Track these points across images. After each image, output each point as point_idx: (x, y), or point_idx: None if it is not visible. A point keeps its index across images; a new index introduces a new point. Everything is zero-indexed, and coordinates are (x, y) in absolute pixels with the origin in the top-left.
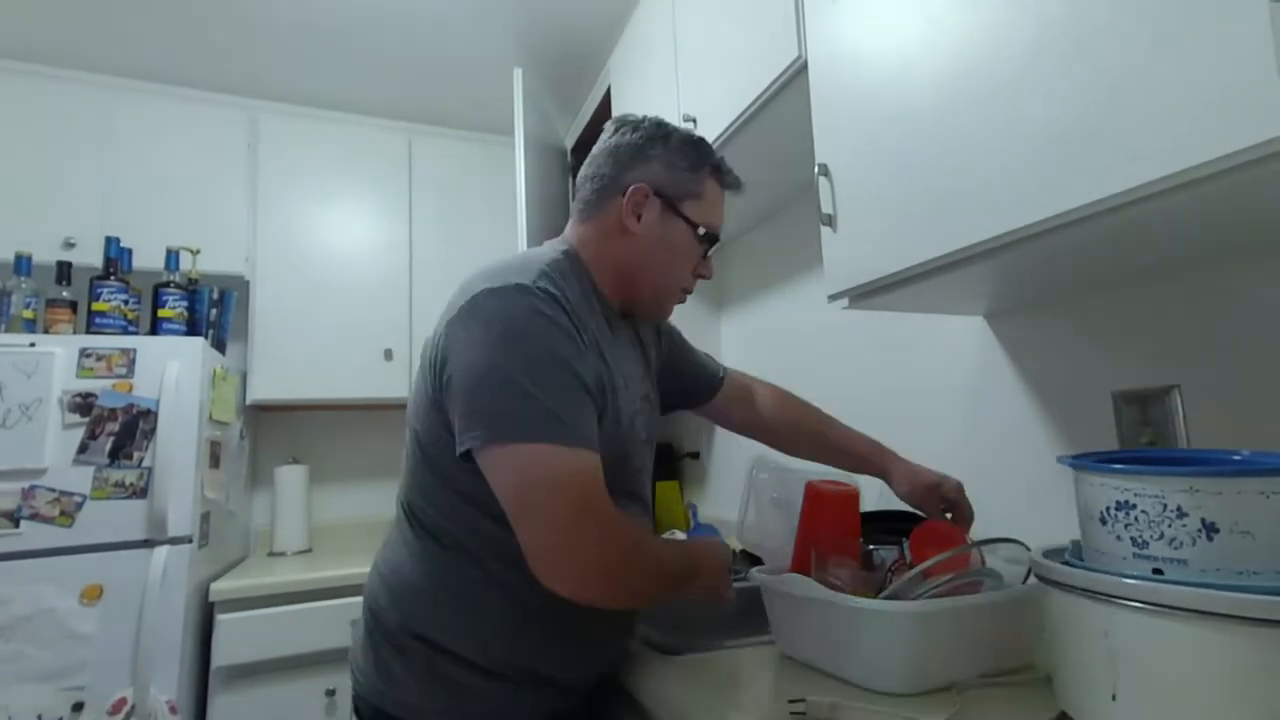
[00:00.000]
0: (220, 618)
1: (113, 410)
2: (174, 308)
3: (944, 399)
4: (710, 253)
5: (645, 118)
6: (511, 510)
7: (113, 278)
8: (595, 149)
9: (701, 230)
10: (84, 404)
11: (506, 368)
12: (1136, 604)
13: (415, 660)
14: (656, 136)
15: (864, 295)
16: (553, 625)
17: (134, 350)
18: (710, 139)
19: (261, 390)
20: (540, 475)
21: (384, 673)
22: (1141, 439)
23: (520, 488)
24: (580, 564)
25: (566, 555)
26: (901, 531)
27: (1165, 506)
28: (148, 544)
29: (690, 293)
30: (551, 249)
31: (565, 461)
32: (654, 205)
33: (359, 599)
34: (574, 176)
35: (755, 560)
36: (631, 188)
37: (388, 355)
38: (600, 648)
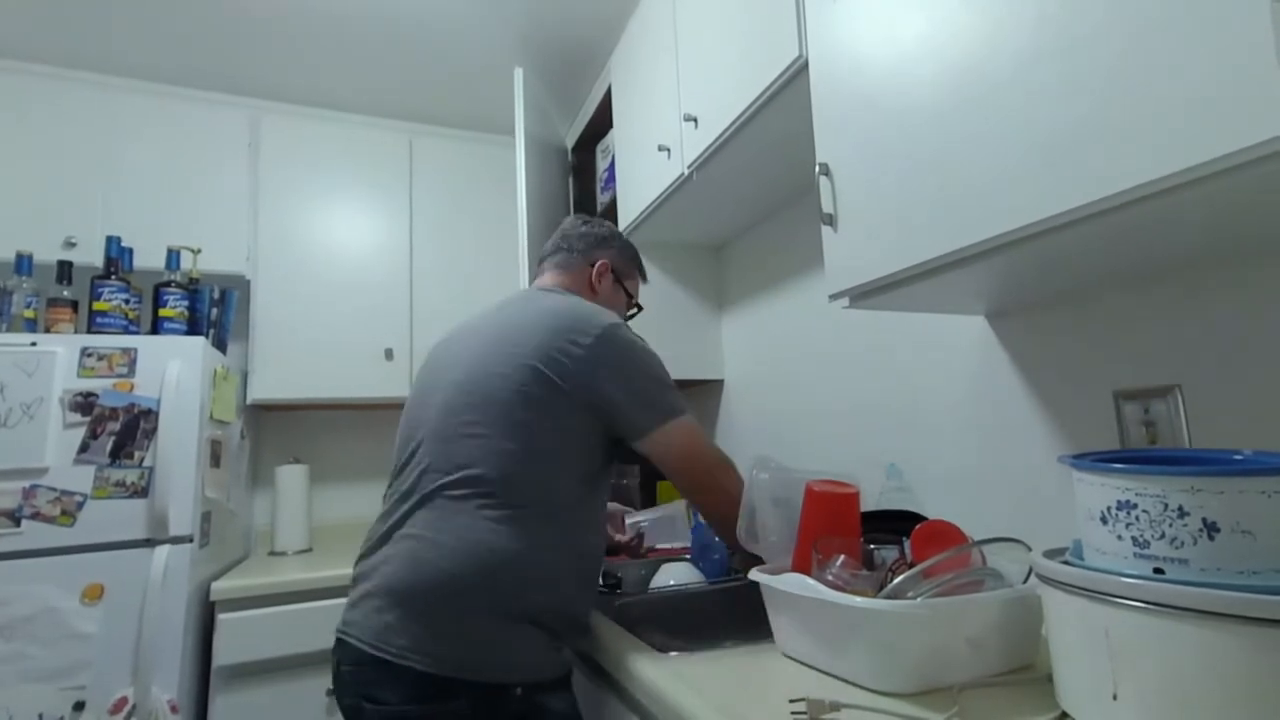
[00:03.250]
0: (221, 617)
1: (114, 410)
2: (175, 307)
3: (945, 398)
4: (629, 317)
5: (606, 224)
6: (680, 463)
7: (114, 277)
8: (566, 228)
9: (633, 297)
10: (85, 403)
11: (660, 371)
12: (1137, 604)
13: (518, 633)
14: (613, 234)
15: (865, 295)
16: (589, 573)
17: (135, 350)
18: (711, 138)
19: (262, 390)
20: (695, 436)
21: (462, 642)
22: (1143, 438)
23: (689, 444)
24: (725, 486)
25: (717, 480)
26: (902, 531)
27: (1166, 506)
28: (149, 543)
29: None
30: (586, 301)
31: (699, 428)
32: (608, 276)
33: None
34: (575, 176)
35: (755, 560)
36: (600, 261)
37: (388, 355)
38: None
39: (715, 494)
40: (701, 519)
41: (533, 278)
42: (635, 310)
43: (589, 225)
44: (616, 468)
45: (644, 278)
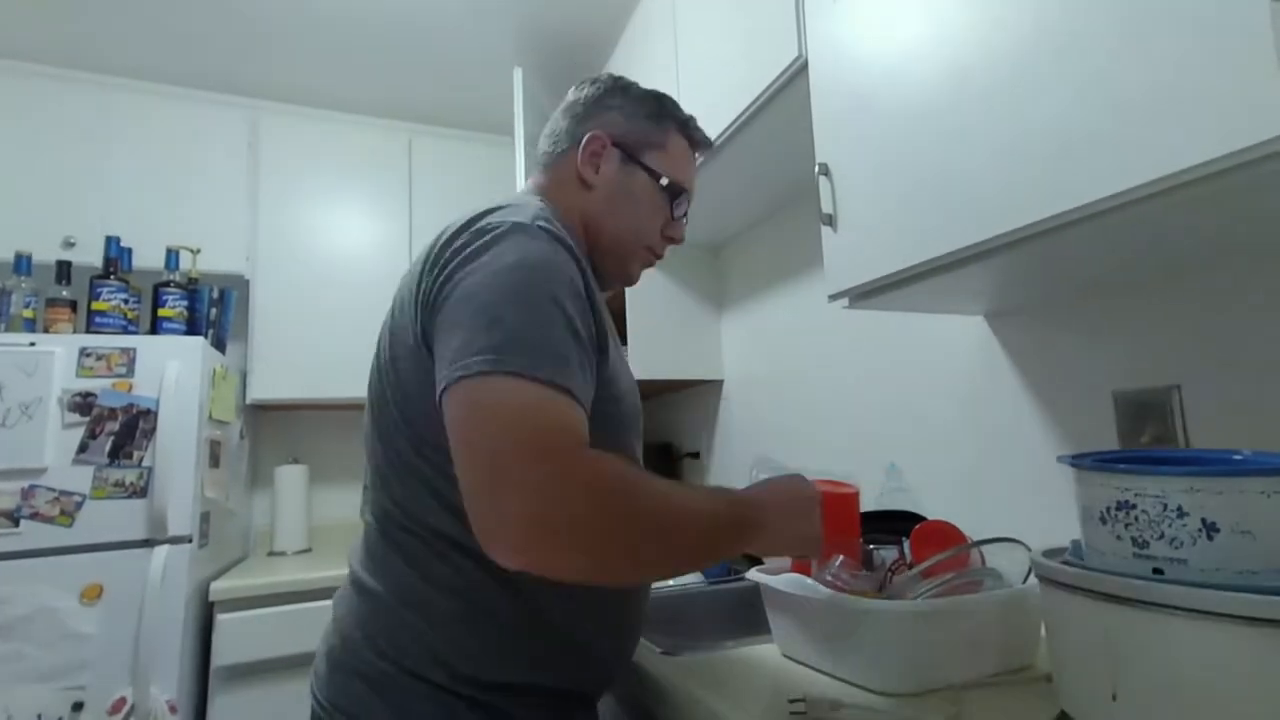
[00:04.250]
0: (220, 617)
1: (112, 410)
2: (174, 307)
3: (944, 399)
4: (680, 215)
5: (607, 74)
6: (459, 448)
7: (113, 277)
8: (564, 103)
9: (665, 181)
10: (84, 403)
11: (496, 296)
12: (1137, 604)
13: (407, 686)
14: (615, 88)
15: (864, 295)
16: (555, 633)
17: (134, 350)
18: (711, 139)
19: (261, 390)
20: (483, 409)
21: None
22: (1142, 439)
23: (460, 425)
24: (516, 514)
25: (497, 501)
26: (902, 531)
27: (1166, 506)
28: (147, 543)
29: (659, 256)
30: (525, 195)
31: (520, 395)
32: (612, 155)
33: None
34: None
35: (755, 560)
36: (587, 136)
37: None
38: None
39: (508, 530)
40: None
41: None
42: (681, 200)
43: (579, 87)
44: None
45: (696, 141)
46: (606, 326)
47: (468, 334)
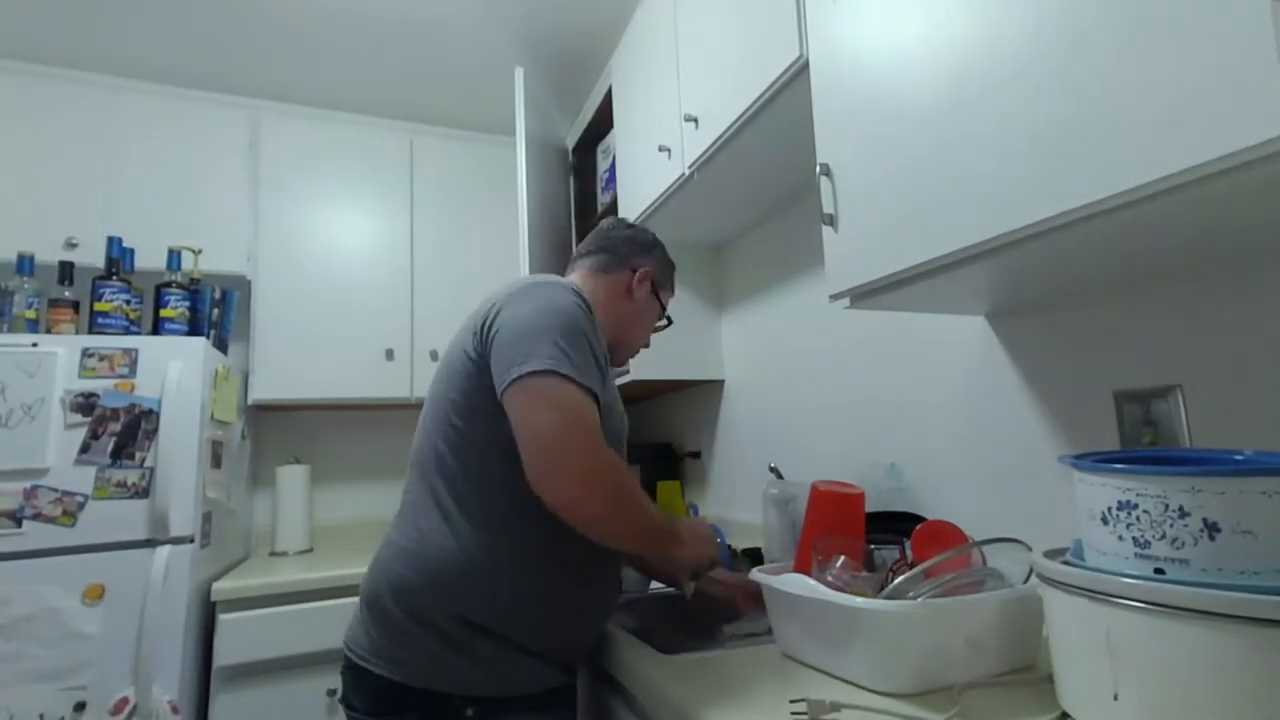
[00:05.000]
0: (222, 617)
1: (115, 410)
2: (176, 307)
3: (945, 399)
4: (660, 328)
5: (647, 229)
6: (525, 433)
7: (115, 277)
8: (609, 229)
9: (665, 311)
10: (86, 404)
11: (555, 324)
12: (1138, 604)
13: (464, 639)
14: (658, 243)
15: (865, 295)
16: (557, 582)
17: (136, 350)
18: (711, 139)
19: (263, 390)
20: (546, 396)
21: (412, 648)
22: (1143, 439)
23: (529, 408)
24: (571, 467)
25: (560, 459)
26: (903, 532)
27: (1167, 506)
28: (149, 544)
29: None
30: (558, 279)
31: (569, 390)
32: (647, 285)
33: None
34: (575, 176)
35: (756, 560)
36: (642, 268)
37: (389, 355)
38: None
39: (571, 490)
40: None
41: None
42: (666, 323)
43: (633, 230)
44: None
45: (673, 291)
46: (605, 363)
47: (530, 346)
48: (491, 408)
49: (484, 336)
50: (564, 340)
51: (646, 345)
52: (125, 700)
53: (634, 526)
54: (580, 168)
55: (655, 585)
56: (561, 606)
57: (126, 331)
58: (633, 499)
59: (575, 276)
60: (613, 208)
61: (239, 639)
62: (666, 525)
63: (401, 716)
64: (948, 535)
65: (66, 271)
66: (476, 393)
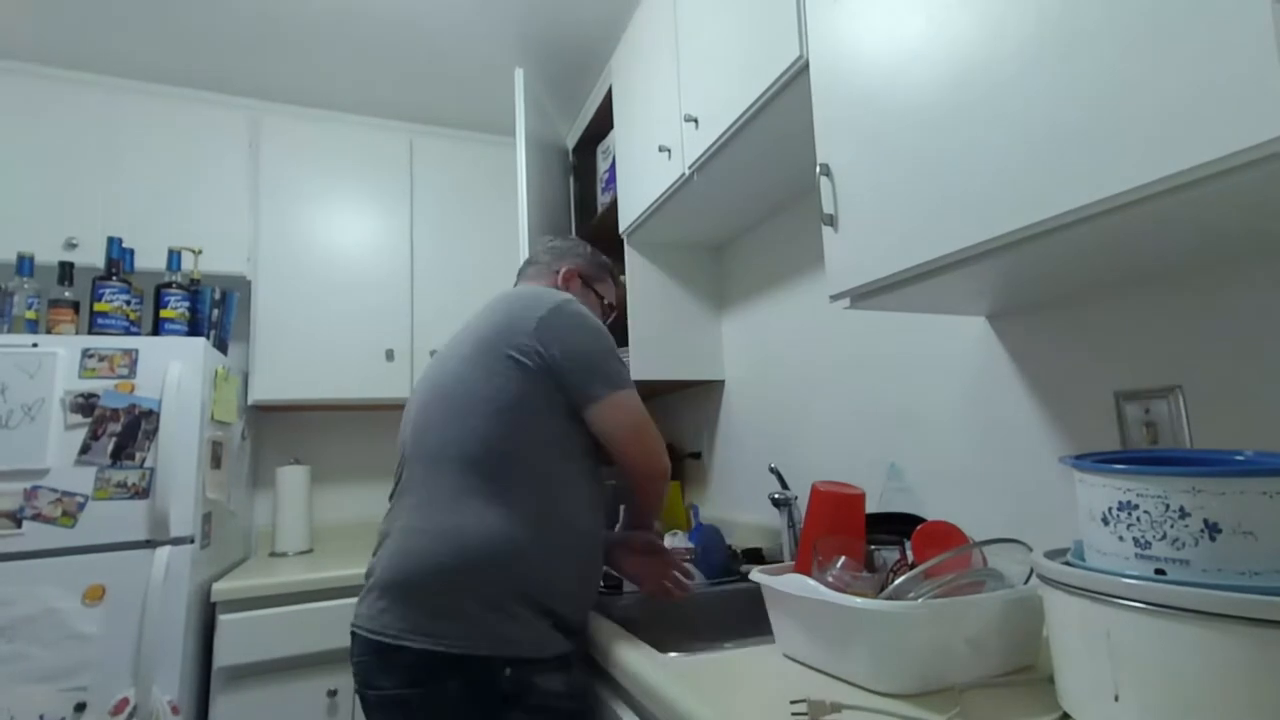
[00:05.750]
0: (222, 618)
1: (115, 411)
2: (176, 308)
3: (945, 399)
4: (606, 321)
5: (575, 237)
6: (628, 433)
7: (115, 278)
8: (536, 248)
9: (605, 300)
10: (86, 404)
11: (608, 345)
12: (1139, 604)
13: (506, 608)
14: (581, 246)
15: (866, 295)
16: (579, 550)
17: (136, 351)
18: (711, 139)
19: (263, 391)
20: (641, 408)
21: (452, 619)
22: (1144, 439)
23: (635, 414)
24: (660, 452)
25: (659, 453)
26: (904, 532)
27: (1168, 507)
28: (150, 544)
29: None
30: (552, 290)
31: (639, 400)
32: (576, 281)
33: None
34: (575, 176)
35: (756, 560)
36: (564, 269)
37: (389, 355)
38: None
39: (659, 463)
40: (638, 494)
41: None
42: (611, 312)
43: (557, 241)
44: (611, 470)
45: (616, 283)
46: None
47: (608, 366)
48: (543, 407)
49: (544, 352)
50: (614, 356)
51: None
52: (125, 701)
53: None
54: (580, 168)
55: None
56: (588, 579)
57: (126, 332)
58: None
59: (521, 287)
60: (612, 208)
61: (239, 639)
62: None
63: (443, 684)
64: (948, 535)
65: (66, 272)
66: (530, 395)
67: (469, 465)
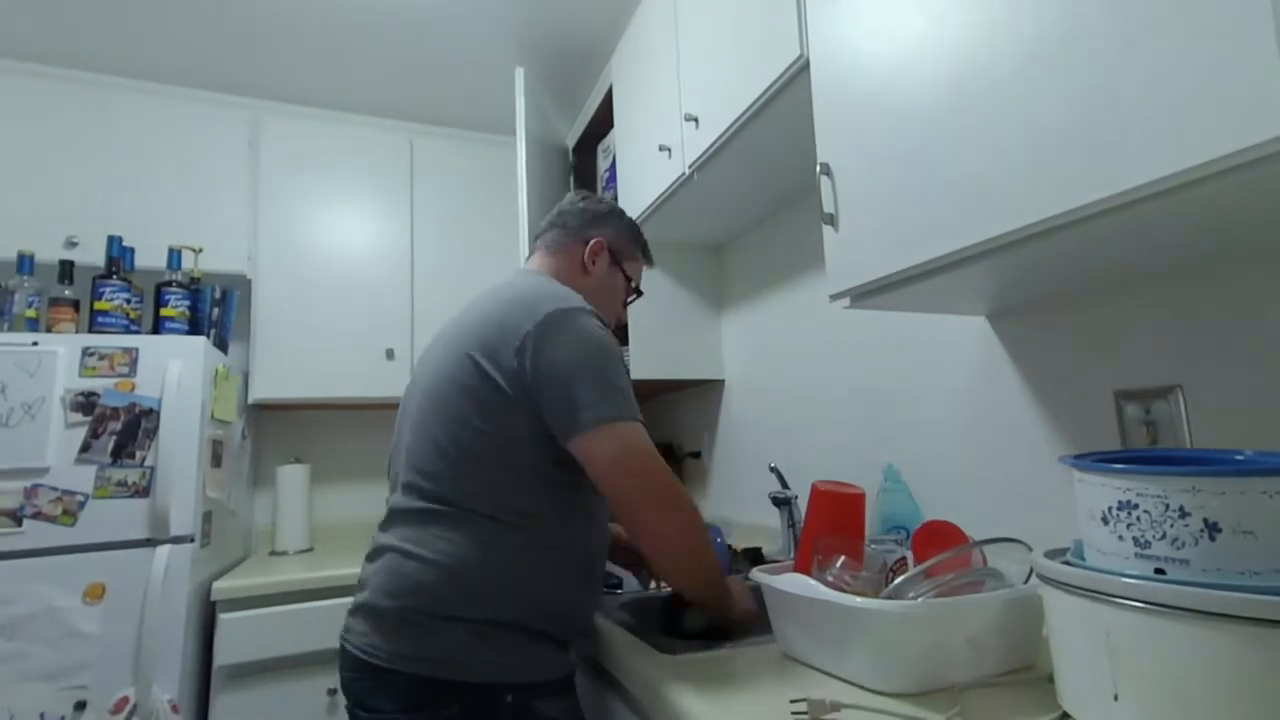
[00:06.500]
0: (222, 617)
1: (115, 409)
2: (176, 307)
3: (945, 399)
4: (629, 303)
5: (607, 198)
6: (616, 475)
7: (115, 277)
8: (565, 203)
9: (633, 283)
10: (86, 403)
11: (603, 365)
12: (1139, 604)
13: (499, 635)
14: (616, 211)
15: (866, 294)
16: (576, 574)
17: (136, 349)
18: (712, 138)
19: (263, 389)
20: (640, 445)
21: (446, 647)
22: (1144, 439)
23: (631, 452)
24: (664, 494)
25: (672, 506)
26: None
27: (1167, 506)
28: (150, 543)
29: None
30: (552, 282)
31: (646, 437)
32: (605, 257)
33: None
34: (576, 176)
35: (756, 560)
36: (594, 239)
37: (389, 355)
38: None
39: (658, 514)
40: (647, 558)
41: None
42: (635, 295)
43: (587, 201)
44: None
45: (649, 261)
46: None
47: (597, 392)
48: (514, 428)
49: (523, 368)
50: (619, 378)
51: (620, 321)
52: (125, 699)
53: (704, 556)
54: (580, 168)
55: (654, 585)
56: (583, 602)
57: (127, 331)
58: (704, 537)
59: (534, 259)
60: None
61: (239, 638)
62: (718, 569)
63: (443, 709)
64: (948, 535)
65: (67, 270)
66: (501, 413)
67: (447, 486)
